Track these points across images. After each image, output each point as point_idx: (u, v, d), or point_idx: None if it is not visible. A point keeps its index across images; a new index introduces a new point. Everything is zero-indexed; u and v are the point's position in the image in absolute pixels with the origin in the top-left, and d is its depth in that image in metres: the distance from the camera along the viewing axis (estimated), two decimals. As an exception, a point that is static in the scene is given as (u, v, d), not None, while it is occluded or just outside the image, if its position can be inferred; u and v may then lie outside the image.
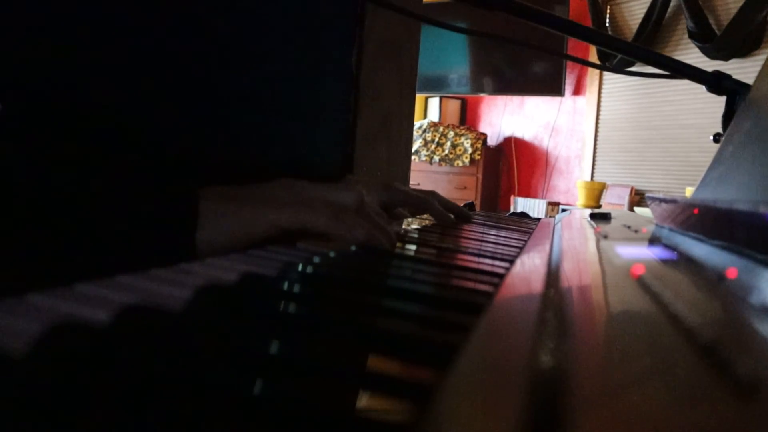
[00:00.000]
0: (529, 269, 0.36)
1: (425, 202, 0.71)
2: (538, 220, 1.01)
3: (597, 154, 4.21)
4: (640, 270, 0.30)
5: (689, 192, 3.28)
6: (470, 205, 1.23)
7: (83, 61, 0.46)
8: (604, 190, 3.88)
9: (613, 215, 0.80)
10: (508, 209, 4.41)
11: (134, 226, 0.36)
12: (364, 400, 0.16)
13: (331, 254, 0.38)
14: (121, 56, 0.50)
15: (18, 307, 0.21)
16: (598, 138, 4.20)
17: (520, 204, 4.18)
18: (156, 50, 0.53)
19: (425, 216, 0.79)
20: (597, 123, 4.19)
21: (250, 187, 0.44)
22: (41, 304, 0.21)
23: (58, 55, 0.44)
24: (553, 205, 4.01)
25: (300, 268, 0.32)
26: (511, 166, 4.68)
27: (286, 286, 0.27)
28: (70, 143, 0.44)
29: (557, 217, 0.96)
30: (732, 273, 0.27)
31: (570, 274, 0.31)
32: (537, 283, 0.31)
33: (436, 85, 4.61)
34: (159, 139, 0.54)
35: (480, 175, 4.38)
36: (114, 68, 0.49)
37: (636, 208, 3.64)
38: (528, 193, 4.58)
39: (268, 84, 0.71)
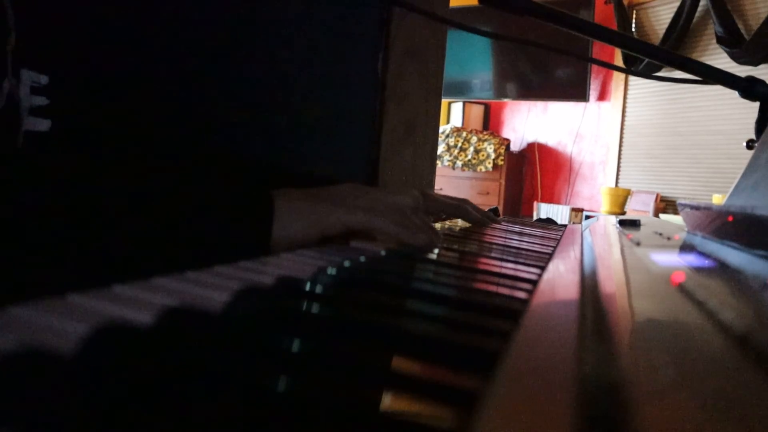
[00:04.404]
0: (561, 275, 0.36)
1: (460, 208, 0.75)
2: (565, 226, 1.00)
3: (622, 160, 4.16)
4: (679, 277, 0.29)
5: (716, 199, 3.23)
6: (494, 211, 1.22)
7: (131, 79, 0.49)
8: (629, 197, 3.84)
9: (642, 222, 0.79)
10: (531, 215, 4.38)
11: (215, 223, 0.39)
12: (409, 405, 0.16)
13: (362, 259, 0.38)
14: (161, 70, 0.51)
15: (60, 307, 0.21)
16: (623, 144, 4.15)
17: (543, 210, 4.14)
18: (186, 55, 0.54)
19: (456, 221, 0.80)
20: (622, 129, 4.15)
21: (320, 189, 0.47)
22: (82, 305, 0.22)
23: (110, 72, 0.47)
24: (577, 212, 3.96)
25: (335, 272, 0.32)
26: (535, 171, 4.64)
27: (322, 290, 0.27)
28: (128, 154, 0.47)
29: (584, 223, 0.95)
30: (775, 281, 0.27)
31: (605, 281, 0.31)
32: (572, 289, 0.30)
33: (459, 90, 4.60)
34: (195, 144, 0.55)
35: (503, 181, 4.36)
36: (153, 82, 0.51)
37: (661, 215, 3.59)
38: (551, 199, 4.54)
39: (294, 90, 0.71)
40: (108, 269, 0.34)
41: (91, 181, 0.36)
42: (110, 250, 0.34)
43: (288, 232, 0.42)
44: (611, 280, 0.32)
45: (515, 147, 4.70)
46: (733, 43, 3.41)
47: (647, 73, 3.31)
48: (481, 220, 0.77)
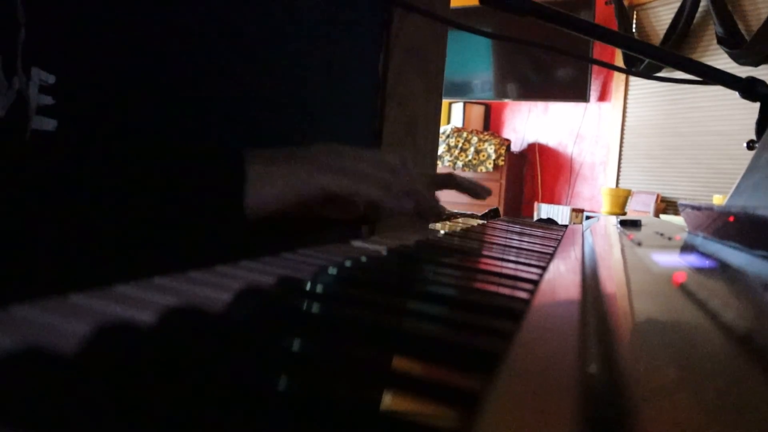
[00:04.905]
0: (563, 275, 0.36)
1: (447, 178, 0.70)
2: (565, 226, 1.00)
3: (622, 160, 4.17)
4: (681, 278, 0.29)
5: (717, 200, 3.23)
6: (495, 211, 1.22)
7: (136, 78, 0.49)
8: (629, 197, 3.84)
9: (643, 222, 0.79)
10: (532, 216, 4.38)
11: (184, 190, 0.37)
12: (411, 406, 0.16)
13: (363, 259, 0.38)
14: (166, 71, 0.51)
15: (61, 306, 0.21)
16: (624, 144, 4.15)
17: (544, 210, 4.14)
18: (190, 56, 0.54)
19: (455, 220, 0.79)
20: (622, 129, 4.15)
21: (297, 149, 0.43)
22: (84, 305, 0.22)
23: (113, 74, 0.47)
24: (578, 212, 3.96)
25: (337, 272, 0.32)
26: (535, 172, 4.64)
27: (323, 289, 0.27)
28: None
29: (585, 223, 0.95)
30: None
31: (606, 281, 0.31)
32: (573, 290, 0.30)
33: (459, 90, 4.60)
34: (194, 145, 0.56)
35: (503, 181, 4.35)
36: (157, 81, 0.51)
37: (662, 216, 3.59)
38: (552, 199, 4.54)
39: (295, 89, 0.71)
40: (97, 254, 0.34)
41: (92, 181, 0.36)
42: (107, 241, 0.34)
43: (262, 198, 0.39)
44: (612, 281, 0.32)
45: (516, 147, 4.70)
46: (734, 43, 3.41)
47: (648, 74, 3.31)
48: (470, 188, 0.71)
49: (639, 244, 0.49)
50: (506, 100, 4.62)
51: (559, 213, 4.02)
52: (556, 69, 4.25)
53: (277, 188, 0.39)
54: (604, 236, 0.61)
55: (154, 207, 0.37)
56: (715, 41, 3.54)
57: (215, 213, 0.38)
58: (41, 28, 0.40)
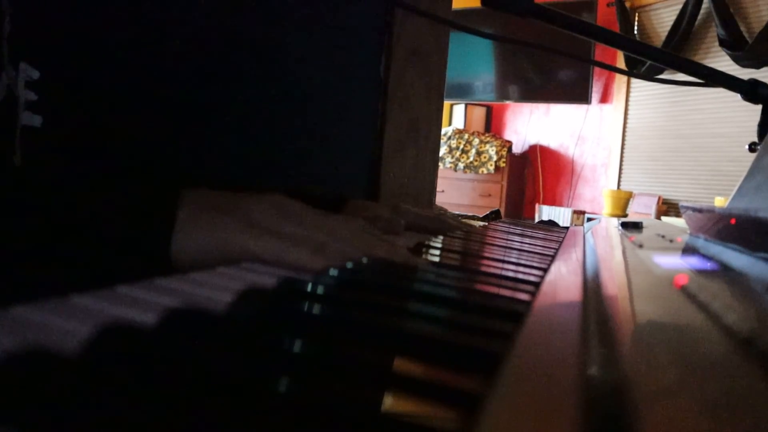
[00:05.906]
0: (564, 277, 0.36)
1: (437, 220, 0.69)
2: (567, 228, 1.00)
3: (624, 162, 4.17)
4: (682, 280, 0.29)
5: (718, 202, 3.22)
6: (496, 213, 1.23)
7: (123, 81, 0.48)
8: (631, 199, 3.83)
9: (644, 224, 0.79)
10: (533, 217, 4.38)
11: (112, 227, 0.35)
12: (412, 407, 0.16)
13: (364, 260, 0.38)
14: (156, 70, 0.51)
15: (63, 307, 0.21)
16: (625, 146, 4.15)
17: (545, 212, 4.14)
18: (185, 58, 0.54)
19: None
20: (624, 131, 4.15)
21: (241, 199, 0.40)
22: (85, 306, 0.22)
23: (101, 74, 0.46)
24: (579, 214, 3.96)
25: (338, 273, 0.32)
26: (536, 174, 4.64)
27: (324, 291, 0.27)
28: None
29: (586, 225, 0.95)
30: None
31: (608, 283, 0.31)
32: (574, 291, 0.30)
33: (461, 92, 4.60)
34: (191, 146, 0.55)
35: (505, 183, 4.36)
36: (149, 84, 0.50)
37: (663, 218, 3.59)
38: (553, 201, 4.54)
39: (297, 91, 0.72)
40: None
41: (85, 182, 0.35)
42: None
43: (188, 247, 0.36)
44: (614, 282, 0.32)
45: (517, 149, 4.71)
46: (736, 45, 3.41)
47: (649, 76, 3.31)
48: (461, 229, 0.70)
49: (640, 246, 0.49)
50: (508, 102, 4.62)
51: (561, 215, 4.02)
52: (557, 71, 4.25)
53: (201, 240, 0.36)
54: (605, 238, 0.61)
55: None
56: (716, 43, 3.54)
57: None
58: (28, 24, 0.39)
